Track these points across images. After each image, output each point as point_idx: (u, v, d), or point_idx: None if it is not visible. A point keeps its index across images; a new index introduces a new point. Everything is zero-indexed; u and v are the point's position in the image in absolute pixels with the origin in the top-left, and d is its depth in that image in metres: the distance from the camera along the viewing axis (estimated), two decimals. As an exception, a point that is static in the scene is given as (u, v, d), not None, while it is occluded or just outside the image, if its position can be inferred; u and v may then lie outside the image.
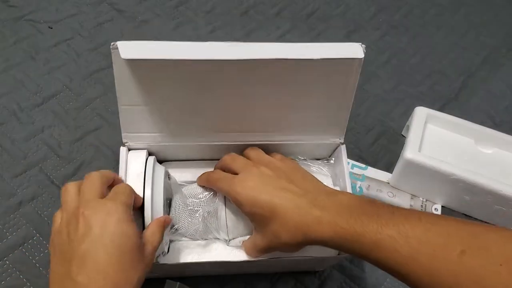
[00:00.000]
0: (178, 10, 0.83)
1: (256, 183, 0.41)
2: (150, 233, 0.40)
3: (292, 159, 0.48)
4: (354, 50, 0.42)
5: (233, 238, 0.47)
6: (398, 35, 0.89)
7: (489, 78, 0.84)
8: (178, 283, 0.52)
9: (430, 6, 0.96)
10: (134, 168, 0.46)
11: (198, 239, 0.47)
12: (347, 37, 0.86)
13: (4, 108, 0.65)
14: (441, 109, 0.76)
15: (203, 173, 0.48)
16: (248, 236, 0.46)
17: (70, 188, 0.40)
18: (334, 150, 0.53)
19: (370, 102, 0.77)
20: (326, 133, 0.50)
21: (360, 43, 0.42)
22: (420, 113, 0.67)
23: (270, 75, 0.43)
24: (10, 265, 0.52)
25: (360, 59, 0.42)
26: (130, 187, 0.42)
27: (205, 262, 0.46)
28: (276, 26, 0.85)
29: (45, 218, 0.56)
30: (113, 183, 0.43)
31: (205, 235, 0.47)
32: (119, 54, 0.38)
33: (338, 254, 0.46)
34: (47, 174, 0.59)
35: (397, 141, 0.71)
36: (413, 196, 0.65)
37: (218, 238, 0.47)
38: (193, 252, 0.46)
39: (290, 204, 0.39)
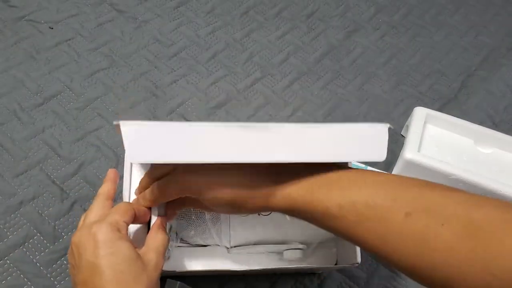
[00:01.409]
0: (178, 10, 0.84)
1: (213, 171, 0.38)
2: (152, 238, 0.40)
3: None
4: (378, 143, 0.37)
5: (235, 246, 0.47)
6: (398, 35, 0.89)
7: (489, 78, 0.84)
8: (178, 282, 0.53)
9: (430, 6, 0.96)
10: (140, 171, 0.46)
11: (200, 245, 0.47)
12: (347, 37, 0.86)
13: (5, 108, 0.65)
14: (440, 109, 0.76)
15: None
16: (250, 246, 0.46)
17: (82, 217, 0.42)
18: None
19: (369, 102, 0.77)
20: None
21: (389, 125, 0.37)
22: (420, 113, 0.68)
23: None
24: (11, 265, 0.52)
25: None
26: (127, 204, 0.40)
27: (207, 271, 0.46)
28: (276, 27, 0.85)
29: (46, 218, 0.56)
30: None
31: (208, 241, 0.47)
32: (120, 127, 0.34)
33: (336, 264, 0.46)
34: (47, 174, 0.59)
35: (397, 141, 0.72)
36: (412, 196, 0.65)
37: (219, 245, 0.47)
38: (194, 259, 0.46)
39: (249, 185, 0.37)
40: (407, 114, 0.73)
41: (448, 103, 0.79)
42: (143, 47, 0.76)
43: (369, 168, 0.67)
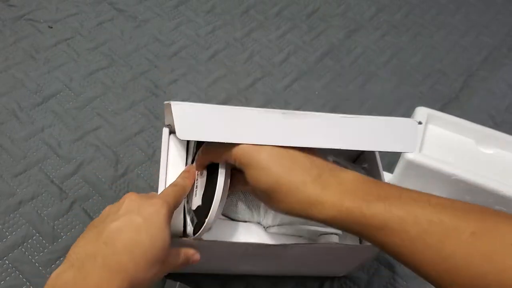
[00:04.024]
0: (178, 9, 0.83)
1: (268, 148, 0.37)
2: (183, 254, 0.40)
3: None
4: (407, 138, 0.40)
5: (273, 226, 0.47)
6: (399, 35, 0.89)
7: (490, 77, 0.84)
8: (178, 283, 0.53)
9: (431, 6, 0.96)
10: (176, 151, 0.47)
11: (240, 220, 0.47)
12: (348, 37, 0.86)
13: (4, 107, 0.65)
14: (441, 109, 0.76)
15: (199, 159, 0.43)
16: (287, 226, 0.46)
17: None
18: (362, 152, 0.52)
19: (370, 102, 0.77)
20: None
21: (418, 121, 0.40)
22: (421, 113, 0.67)
23: None
24: (10, 265, 0.52)
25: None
26: (183, 190, 0.42)
27: (250, 244, 0.45)
28: (276, 26, 0.85)
29: (45, 218, 0.55)
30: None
31: (252, 218, 0.47)
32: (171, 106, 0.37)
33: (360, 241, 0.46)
34: (46, 173, 0.59)
35: (398, 141, 0.71)
36: (413, 196, 0.65)
37: (258, 223, 0.48)
38: (235, 233, 0.46)
39: (297, 179, 0.37)
40: (408, 114, 0.73)
41: (449, 103, 0.78)
42: (142, 47, 0.76)
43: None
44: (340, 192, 0.36)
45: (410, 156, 0.60)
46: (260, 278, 0.55)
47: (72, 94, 0.68)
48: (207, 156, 0.41)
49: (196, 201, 0.43)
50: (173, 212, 0.40)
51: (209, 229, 0.40)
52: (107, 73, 0.71)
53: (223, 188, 0.40)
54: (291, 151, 0.38)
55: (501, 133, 0.67)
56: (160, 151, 0.47)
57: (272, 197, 0.37)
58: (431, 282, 0.33)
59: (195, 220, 0.42)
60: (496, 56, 0.88)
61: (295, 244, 0.45)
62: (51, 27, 0.75)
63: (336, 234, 0.47)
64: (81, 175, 0.60)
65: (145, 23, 0.80)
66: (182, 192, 0.42)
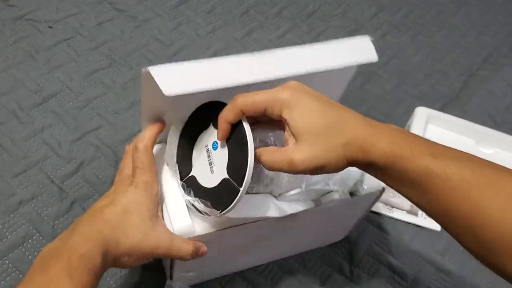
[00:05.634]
0: (178, 9, 0.83)
1: (315, 96, 0.38)
2: (184, 240, 0.42)
3: None
4: (367, 49, 0.45)
5: (283, 193, 0.47)
6: (399, 35, 0.89)
7: (490, 77, 0.84)
8: (178, 283, 0.53)
9: (431, 6, 0.96)
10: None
11: (251, 192, 0.46)
12: (348, 37, 0.86)
13: (4, 107, 0.65)
14: (442, 109, 0.76)
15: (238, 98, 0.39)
16: (297, 191, 0.47)
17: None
18: None
19: (370, 102, 0.77)
20: None
21: (369, 37, 0.45)
22: (421, 113, 0.67)
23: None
24: (10, 265, 0.52)
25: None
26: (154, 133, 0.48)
27: (263, 220, 0.45)
28: (276, 26, 0.85)
29: (45, 218, 0.55)
30: None
31: (266, 190, 0.47)
32: (150, 77, 0.39)
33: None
34: (47, 173, 0.59)
35: (398, 141, 0.71)
36: (413, 196, 0.65)
37: (269, 193, 0.47)
38: (253, 209, 0.46)
39: (350, 118, 0.39)
40: (408, 114, 0.73)
41: (450, 103, 0.78)
42: (143, 46, 0.76)
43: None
44: (391, 133, 0.37)
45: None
46: (260, 276, 0.55)
47: (72, 94, 0.68)
48: (241, 107, 0.38)
49: (216, 177, 0.41)
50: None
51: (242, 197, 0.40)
52: (107, 73, 0.71)
53: (254, 149, 0.39)
54: (338, 104, 0.40)
55: (501, 133, 0.67)
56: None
57: (320, 138, 0.37)
58: (460, 236, 0.34)
59: (224, 196, 0.40)
60: (496, 56, 0.88)
61: (307, 209, 0.47)
62: (51, 27, 0.75)
63: (336, 191, 0.49)
64: (81, 175, 0.60)
65: (145, 23, 0.80)
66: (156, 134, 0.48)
